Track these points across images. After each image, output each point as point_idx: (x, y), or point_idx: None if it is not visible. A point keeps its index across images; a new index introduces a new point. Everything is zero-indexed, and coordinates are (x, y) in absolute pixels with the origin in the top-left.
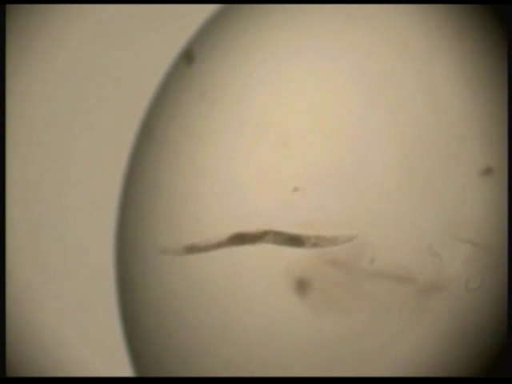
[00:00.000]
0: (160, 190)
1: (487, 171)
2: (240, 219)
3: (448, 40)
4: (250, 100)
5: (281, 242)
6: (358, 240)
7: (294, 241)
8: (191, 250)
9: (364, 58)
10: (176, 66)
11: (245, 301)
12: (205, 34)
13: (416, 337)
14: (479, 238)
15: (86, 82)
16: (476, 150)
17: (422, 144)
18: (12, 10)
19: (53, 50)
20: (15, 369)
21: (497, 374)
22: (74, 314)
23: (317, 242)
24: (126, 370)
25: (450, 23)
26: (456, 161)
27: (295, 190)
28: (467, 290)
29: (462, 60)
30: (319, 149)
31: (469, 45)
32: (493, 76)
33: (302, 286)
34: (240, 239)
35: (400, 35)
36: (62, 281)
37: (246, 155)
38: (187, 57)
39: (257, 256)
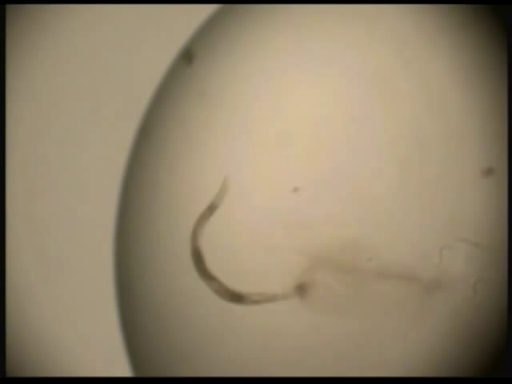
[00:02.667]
0: (159, 190)
1: (488, 171)
2: (239, 219)
3: (447, 40)
4: (249, 100)
5: (223, 294)
6: (356, 239)
7: (236, 297)
8: None
9: (363, 59)
10: (176, 66)
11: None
12: (205, 33)
13: (417, 336)
14: (480, 238)
15: (85, 82)
16: (476, 151)
17: (422, 144)
18: (12, 10)
19: (53, 49)
20: (15, 369)
21: (497, 373)
22: (73, 313)
23: (257, 300)
24: (126, 370)
25: (449, 23)
26: (456, 161)
27: (295, 190)
28: (468, 290)
29: (461, 60)
30: (319, 149)
31: (468, 45)
32: (492, 76)
33: (302, 287)
34: (197, 260)
35: (398, 35)
36: (62, 281)
37: (245, 155)
38: (187, 57)
39: (257, 258)
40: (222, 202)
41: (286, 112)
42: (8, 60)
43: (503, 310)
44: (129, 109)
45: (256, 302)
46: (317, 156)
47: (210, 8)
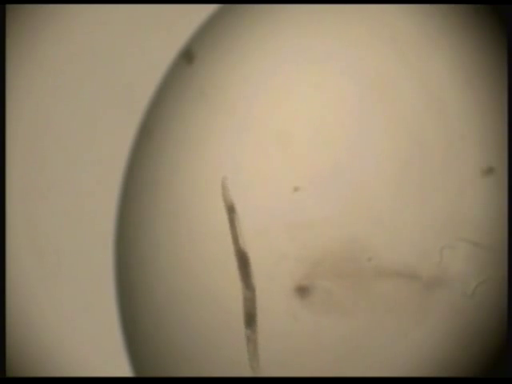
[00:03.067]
0: (159, 189)
1: (488, 171)
2: (240, 219)
3: (447, 40)
4: (249, 99)
5: (248, 307)
6: (355, 239)
7: (250, 319)
8: None
9: (363, 58)
10: (176, 66)
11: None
12: (205, 33)
13: (418, 336)
14: (480, 237)
15: (86, 82)
16: (476, 150)
17: (422, 144)
18: (12, 9)
19: (53, 49)
20: (15, 369)
21: (497, 373)
22: (73, 314)
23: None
24: (126, 370)
25: (449, 23)
26: (456, 161)
27: (295, 190)
28: (468, 289)
29: (461, 60)
30: (319, 149)
31: (468, 45)
32: (492, 75)
33: (302, 288)
34: (243, 263)
35: (399, 35)
36: (62, 281)
37: (245, 155)
38: (187, 56)
39: (258, 258)
40: (234, 199)
41: (286, 111)
42: (8, 60)
43: (503, 309)
44: (129, 108)
45: (250, 340)
46: (317, 155)
47: (210, 8)
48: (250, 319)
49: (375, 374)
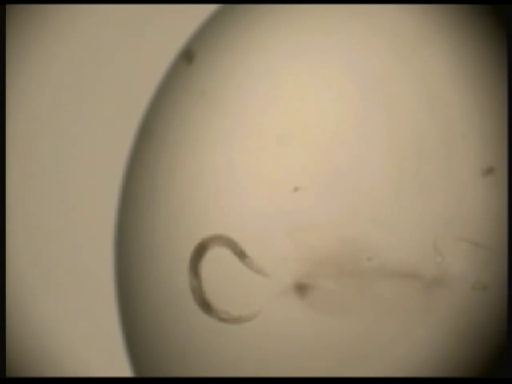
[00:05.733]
0: (159, 189)
1: (488, 171)
2: (240, 219)
3: (447, 40)
4: (249, 99)
5: (196, 296)
6: (355, 239)
7: (205, 305)
8: None
9: (362, 59)
10: (176, 66)
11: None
12: (205, 33)
13: (419, 336)
14: (480, 237)
15: (86, 82)
16: (476, 151)
17: (422, 144)
18: (12, 9)
19: (53, 49)
20: (15, 369)
21: (497, 373)
22: (73, 314)
23: (224, 318)
24: (126, 370)
25: (449, 23)
26: (456, 161)
27: (295, 190)
28: (468, 289)
29: (460, 60)
30: (319, 149)
31: (468, 44)
32: (492, 75)
33: (302, 288)
34: (197, 253)
35: (399, 35)
36: (61, 281)
37: (245, 155)
38: (187, 56)
39: (258, 258)
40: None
41: (286, 112)
42: (8, 60)
43: (503, 309)
44: (129, 108)
45: (222, 319)
46: (317, 156)
47: (210, 8)
48: (206, 307)
49: (376, 373)
